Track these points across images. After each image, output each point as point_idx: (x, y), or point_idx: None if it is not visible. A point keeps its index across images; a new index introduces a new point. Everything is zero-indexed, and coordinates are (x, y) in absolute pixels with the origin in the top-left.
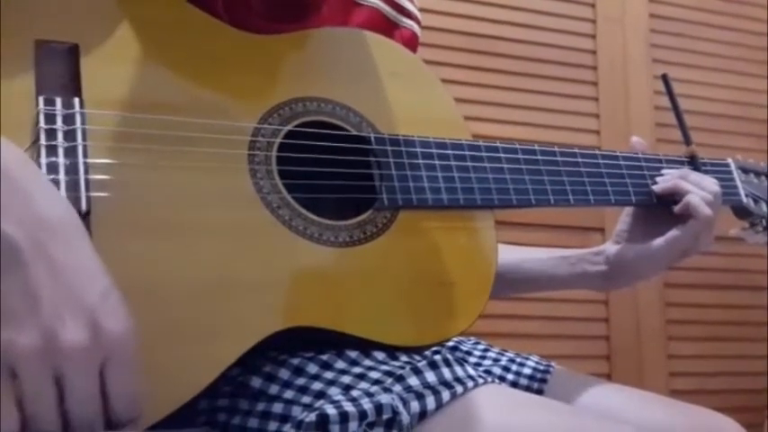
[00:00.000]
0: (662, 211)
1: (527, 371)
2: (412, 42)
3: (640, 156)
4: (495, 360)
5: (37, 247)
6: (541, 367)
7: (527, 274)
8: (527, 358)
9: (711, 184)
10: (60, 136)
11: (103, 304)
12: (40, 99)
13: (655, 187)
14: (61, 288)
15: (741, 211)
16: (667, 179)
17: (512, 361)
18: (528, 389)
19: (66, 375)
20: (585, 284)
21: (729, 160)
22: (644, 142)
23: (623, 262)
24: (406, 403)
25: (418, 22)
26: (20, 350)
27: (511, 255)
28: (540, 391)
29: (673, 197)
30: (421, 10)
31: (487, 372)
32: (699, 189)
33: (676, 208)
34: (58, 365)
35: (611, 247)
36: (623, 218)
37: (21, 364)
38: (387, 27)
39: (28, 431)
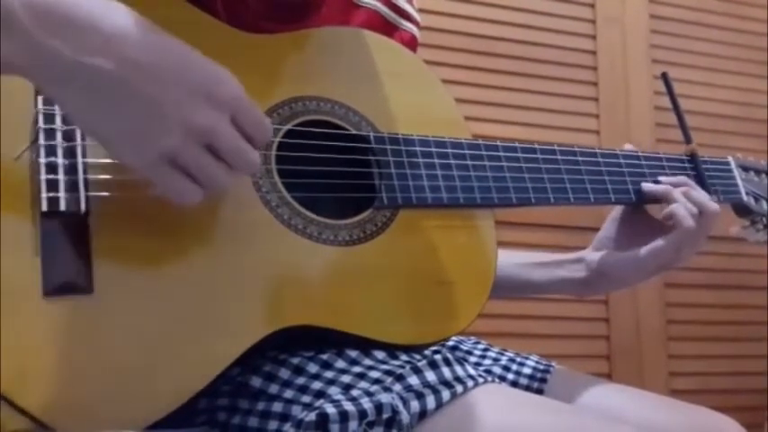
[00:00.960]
0: (646, 218)
1: (527, 370)
2: (411, 45)
3: (640, 154)
4: (495, 360)
5: (127, 63)
6: (541, 367)
7: (507, 279)
8: (527, 358)
9: (703, 198)
10: (59, 136)
11: (205, 75)
12: (39, 99)
13: (644, 185)
14: (167, 85)
15: (741, 210)
16: (665, 181)
17: (512, 360)
18: (528, 388)
19: (213, 144)
20: (563, 290)
21: (729, 158)
22: (635, 149)
23: (603, 269)
24: (405, 402)
25: (417, 24)
26: (172, 147)
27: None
28: (540, 391)
29: (656, 201)
30: (422, 11)
31: (488, 371)
32: (687, 201)
33: (661, 214)
34: (204, 139)
35: (591, 254)
36: (607, 224)
37: (181, 156)
38: (386, 29)
39: (209, 189)
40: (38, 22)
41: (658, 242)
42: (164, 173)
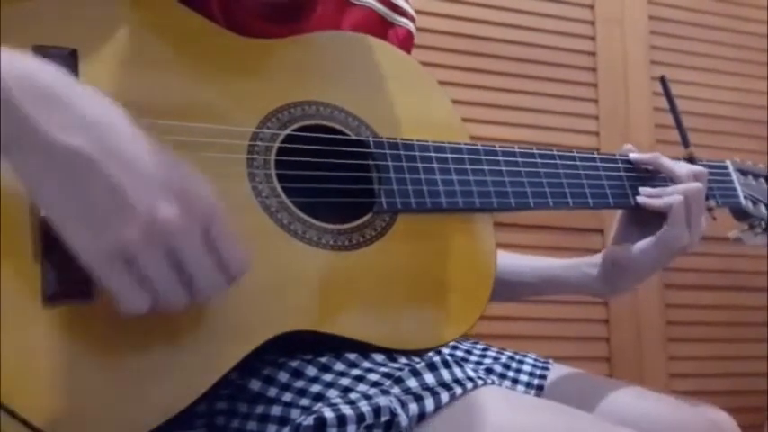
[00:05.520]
0: (651, 212)
1: (526, 368)
2: (407, 41)
3: None
4: (495, 359)
5: (103, 148)
6: (540, 364)
7: (526, 278)
8: (525, 356)
9: (678, 169)
10: None
11: (182, 177)
12: None
13: (639, 198)
14: (140, 175)
15: (740, 213)
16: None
17: (511, 359)
18: (528, 386)
19: (176, 247)
20: (586, 288)
21: (727, 162)
22: (633, 149)
23: (618, 264)
24: (404, 405)
25: (413, 20)
26: (129, 242)
27: (510, 259)
28: (540, 387)
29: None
30: (419, 12)
31: (488, 370)
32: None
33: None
34: (167, 241)
35: (609, 252)
36: (614, 224)
37: (135, 253)
38: (381, 26)
39: (161, 306)
40: (20, 91)
41: (665, 230)
42: (114, 270)
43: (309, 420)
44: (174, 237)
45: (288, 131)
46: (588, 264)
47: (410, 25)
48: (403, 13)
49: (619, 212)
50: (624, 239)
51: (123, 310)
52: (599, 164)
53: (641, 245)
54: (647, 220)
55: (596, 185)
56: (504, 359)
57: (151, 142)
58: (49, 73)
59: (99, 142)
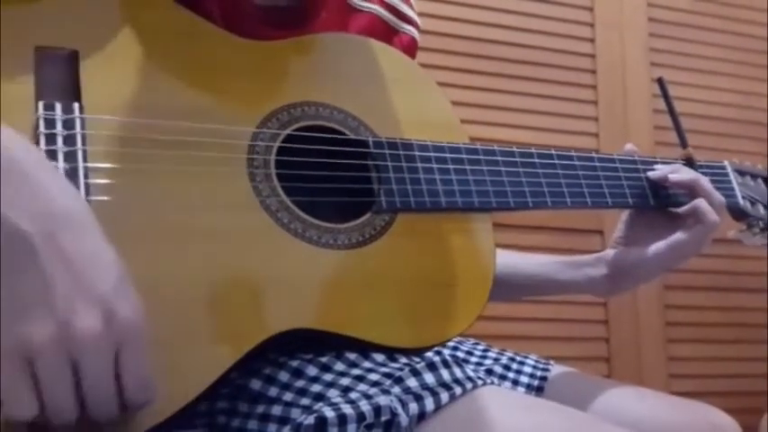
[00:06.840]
0: (659, 214)
1: (527, 369)
2: (411, 48)
3: (637, 158)
4: (496, 359)
5: (49, 239)
6: (541, 365)
7: (529, 277)
8: (526, 357)
9: (715, 192)
10: (60, 141)
11: (116, 292)
12: (40, 104)
13: (672, 176)
14: (74, 278)
15: (738, 213)
16: (685, 175)
17: (512, 360)
18: (529, 387)
19: (81, 362)
20: (588, 288)
21: (725, 162)
22: (636, 149)
23: (625, 266)
24: (404, 405)
25: (417, 27)
26: (36, 341)
27: (512, 258)
28: (540, 389)
29: (669, 196)
30: (419, 14)
31: (489, 371)
32: (709, 194)
33: (683, 209)
34: (74, 353)
35: (611, 252)
36: (619, 225)
37: (37, 355)
38: (386, 33)
39: (46, 416)
40: None
41: (681, 236)
42: (11, 367)
43: (310, 420)
44: (84, 350)
45: (288, 131)
46: (590, 265)
47: (414, 33)
48: (408, 21)
49: (623, 213)
50: (631, 241)
51: (4, 412)
52: (597, 164)
53: (655, 248)
54: (656, 222)
55: (594, 185)
56: (504, 360)
57: (106, 248)
58: (19, 147)
59: (48, 234)
